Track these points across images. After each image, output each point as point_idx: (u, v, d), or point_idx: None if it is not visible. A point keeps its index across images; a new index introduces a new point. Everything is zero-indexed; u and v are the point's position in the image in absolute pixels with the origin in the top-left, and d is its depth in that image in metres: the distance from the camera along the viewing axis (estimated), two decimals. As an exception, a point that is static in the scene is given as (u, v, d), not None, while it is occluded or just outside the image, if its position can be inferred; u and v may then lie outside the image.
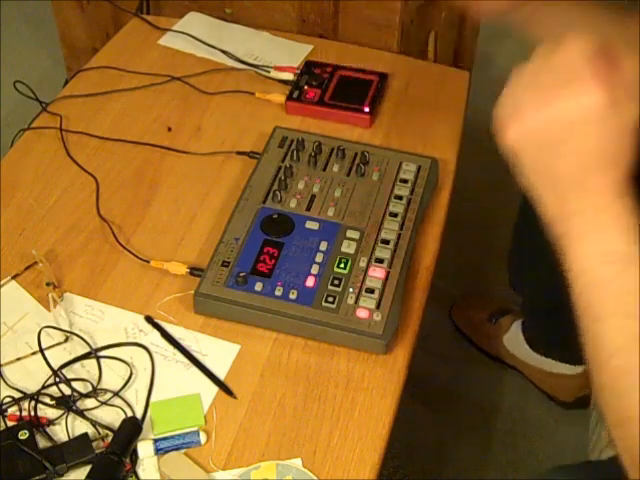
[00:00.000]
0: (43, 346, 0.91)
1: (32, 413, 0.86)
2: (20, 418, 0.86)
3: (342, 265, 0.98)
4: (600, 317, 0.61)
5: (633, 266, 0.61)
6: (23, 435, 0.83)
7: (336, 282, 0.96)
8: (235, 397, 0.89)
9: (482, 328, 1.59)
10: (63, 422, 0.86)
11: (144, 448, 0.83)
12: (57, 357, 0.91)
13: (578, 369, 1.45)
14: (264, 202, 1.06)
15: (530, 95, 0.64)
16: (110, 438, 0.84)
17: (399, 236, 1.02)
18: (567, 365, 1.47)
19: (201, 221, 1.09)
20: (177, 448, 0.84)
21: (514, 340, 1.52)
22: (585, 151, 0.62)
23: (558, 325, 1.35)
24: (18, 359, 0.92)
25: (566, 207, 0.63)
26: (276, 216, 1.04)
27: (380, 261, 0.99)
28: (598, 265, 0.62)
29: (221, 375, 0.91)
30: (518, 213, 1.37)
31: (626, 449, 0.60)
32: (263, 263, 0.98)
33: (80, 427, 0.86)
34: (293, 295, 0.95)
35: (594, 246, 0.62)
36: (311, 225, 1.03)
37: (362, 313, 0.94)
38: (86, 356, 0.92)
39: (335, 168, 1.11)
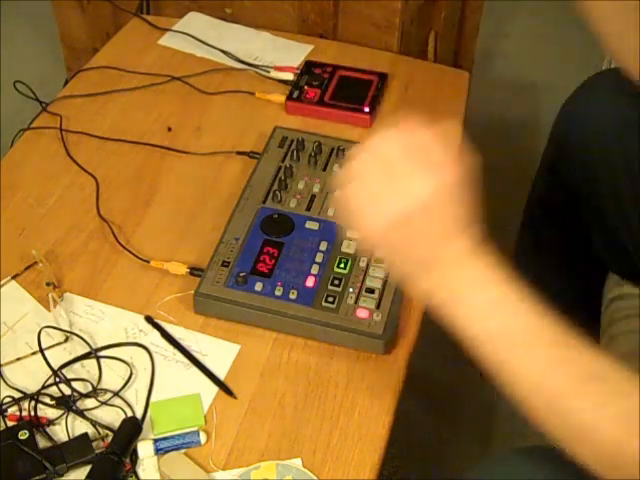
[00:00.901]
0: (43, 346, 0.91)
1: (32, 413, 0.86)
2: (20, 418, 0.86)
3: (342, 265, 0.98)
4: (507, 362, 0.66)
5: (506, 306, 0.66)
6: (23, 435, 0.83)
7: (336, 282, 0.96)
8: (235, 397, 0.89)
9: None
10: (63, 422, 0.86)
11: (144, 448, 0.83)
12: (57, 357, 0.91)
13: None
14: (264, 202, 1.06)
15: (381, 187, 0.69)
16: (110, 438, 0.84)
17: (399, 236, 1.02)
18: None
19: (201, 221, 1.09)
20: (177, 448, 0.84)
21: None
22: (437, 224, 0.68)
23: None
24: (18, 359, 0.92)
25: (435, 278, 0.68)
26: (276, 216, 1.04)
27: (380, 261, 0.99)
28: (480, 321, 0.67)
29: (221, 375, 0.91)
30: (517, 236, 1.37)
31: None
32: (263, 263, 0.98)
33: (80, 427, 0.86)
34: (293, 295, 0.95)
35: (470, 305, 0.67)
36: (311, 225, 1.03)
37: (362, 313, 0.94)
38: (86, 356, 0.92)
39: (335, 168, 1.11)
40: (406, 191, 0.68)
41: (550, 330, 0.66)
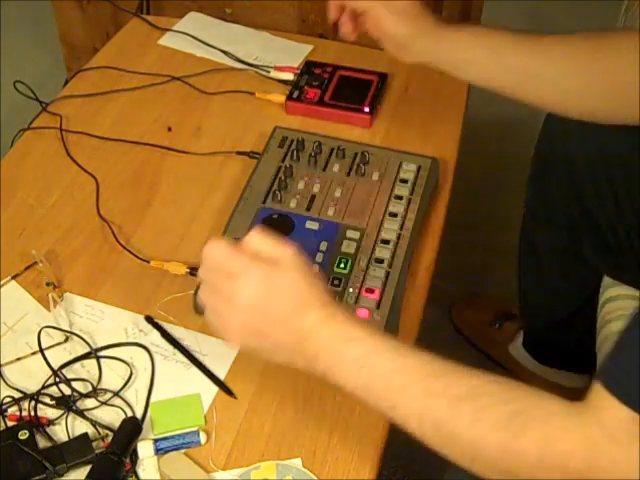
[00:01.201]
0: (43, 346, 0.91)
1: (32, 413, 0.86)
2: (20, 418, 0.86)
3: (342, 265, 0.98)
4: (394, 404, 0.72)
5: (377, 355, 0.72)
6: (23, 435, 0.83)
7: (336, 282, 0.96)
8: (235, 397, 0.89)
9: (484, 331, 1.59)
10: (63, 422, 0.86)
11: (144, 448, 0.83)
12: (57, 357, 0.91)
13: (581, 379, 1.44)
14: (264, 202, 1.06)
15: (216, 301, 0.76)
16: (110, 438, 0.84)
17: (399, 236, 1.02)
18: (571, 374, 1.46)
19: (201, 221, 1.09)
20: (177, 448, 0.84)
21: (520, 349, 1.52)
22: (283, 318, 0.73)
23: (559, 338, 1.36)
24: (18, 359, 0.92)
25: (308, 361, 0.74)
26: (276, 216, 1.04)
27: (380, 261, 0.99)
28: (356, 377, 0.72)
29: (221, 375, 0.91)
30: (519, 239, 1.37)
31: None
32: (263, 263, 0.98)
33: (80, 427, 0.86)
34: (293, 295, 0.95)
35: (342, 366, 0.72)
36: (311, 225, 1.03)
37: (362, 313, 0.94)
38: (86, 356, 0.92)
39: (335, 168, 1.11)
40: (240, 289, 0.74)
41: (419, 366, 0.71)
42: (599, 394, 0.64)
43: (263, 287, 0.74)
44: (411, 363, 0.72)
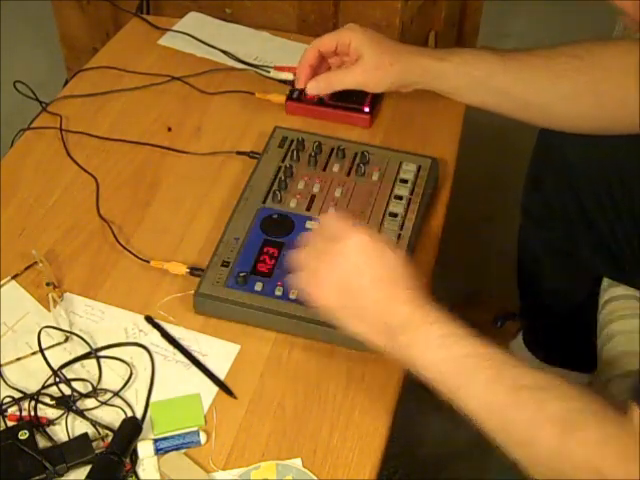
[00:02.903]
0: (43, 346, 0.91)
1: (32, 413, 0.86)
2: (20, 418, 0.86)
3: (342, 265, 0.98)
4: (457, 387, 0.75)
5: (456, 338, 0.77)
6: (23, 435, 0.83)
7: (336, 282, 0.96)
8: (235, 397, 0.89)
9: (485, 330, 1.59)
10: (63, 422, 0.86)
11: (144, 448, 0.83)
12: (57, 357, 0.91)
13: (582, 378, 1.45)
14: (264, 202, 1.06)
15: (316, 261, 0.82)
16: (110, 438, 0.84)
17: (399, 236, 1.02)
18: (573, 373, 1.46)
19: (201, 221, 1.09)
20: (177, 448, 0.84)
21: (521, 348, 1.52)
22: (378, 284, 0.79)
23: (560, 338, 1.36)
24: (18, 359, 0.92)
25: (390, 335, 0.78)
26: (276, 216, 1.04)
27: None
28: (433, 353, 0.77)
29: (221, 375, 0.91)
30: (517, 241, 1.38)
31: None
32: (263, 263, 0.98)
33: (80, 427, 0.86)
34: (293, 295, 0.95)
35: (425, 348, 0.77)
36: (311, 225, 1.03)
37: (362, 313, 0.93)
38: (86, 356, 0.92)
39: (335, 168, 1.11)
40: (345, 249, 0.80)
41: (492, 355, 0.75)
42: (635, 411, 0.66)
43: (367, 251, 0.80)
44: (485, 352, 0.75)
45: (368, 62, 1.08)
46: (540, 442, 0.69)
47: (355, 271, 0.80)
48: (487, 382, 0.73)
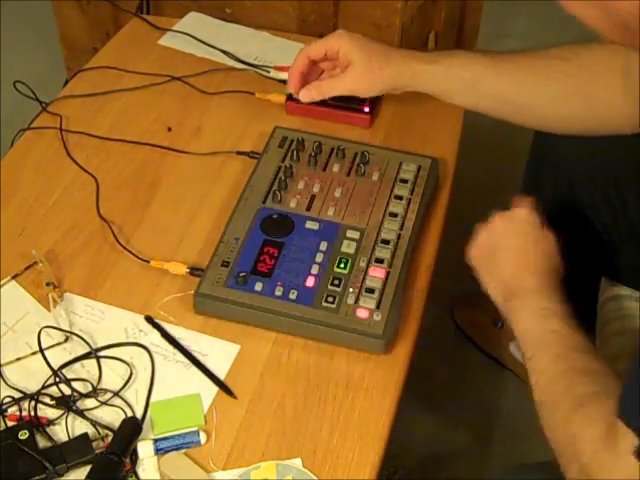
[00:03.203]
0: (43, 346, 0.91)
1: (32, 413, 0.86)
2: (20, 418, 0.86)
3: (342, 265, 0.98)
4: (532, 355, 0.85)
5: (551, 315, 0.86)
6: (23, 435, 0.83)
7: (336, 282, 0.96)
8: (235, 397, 0.89)
9: (486, 331, 1.59)
10: (63, 422, 0.86)
11: (144, 448, 0.83)
12: (57, 357, 0.91)
13: None
14: (264, 202, 1.06)
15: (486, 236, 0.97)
16: (110, 438, 0.84)
17: (399, 236, 1.02)
18: None
19: (201, 221, 1.09)
20: (177, 448, 0.84)
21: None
22: (512, 264, 0.93)
23: None
24: (18, 359, 0.92)
25: (507, 296, 0.91)
26: (276, 216, 1.04)
27: (380, 261, 0.99)
28: (528, 322, 0.87)
29: (221, 375, 0.91)
30: None
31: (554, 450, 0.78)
32: (263, 263, 0.98)
33: (80, 427, 0.86)
34: (293, 295, 0.95)
35: (527, 314, 0.88)
36: (311, 225, 1.03)
37: (362, 313, 0.94)
38: (86, 356, 0.92)
39: (335, 168, 1.11)
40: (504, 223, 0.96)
41: (570, 337, 0.84)
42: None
43: (524, 224, 0.94)
44: (567, 333, 0.84)
45: (357, 68, 1.09)
46: (558, 411, 0.78)
47: (506, 236, 0.94)
48: (555, 356, 0.82)
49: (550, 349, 0.83)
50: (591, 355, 0.82)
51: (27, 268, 1.01)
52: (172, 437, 0.85)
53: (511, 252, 0.93)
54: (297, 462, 0.84)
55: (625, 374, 0.74)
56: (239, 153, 1.17)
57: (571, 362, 0.81)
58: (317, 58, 1.13)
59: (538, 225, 0.94)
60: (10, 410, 0.87)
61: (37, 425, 0.85)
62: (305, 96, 1.13)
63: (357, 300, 0.95)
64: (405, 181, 1.09)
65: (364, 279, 0.97)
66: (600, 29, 0.71)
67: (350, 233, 1.02)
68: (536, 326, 0.86)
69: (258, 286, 0.95)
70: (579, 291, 1.28)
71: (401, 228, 1.03)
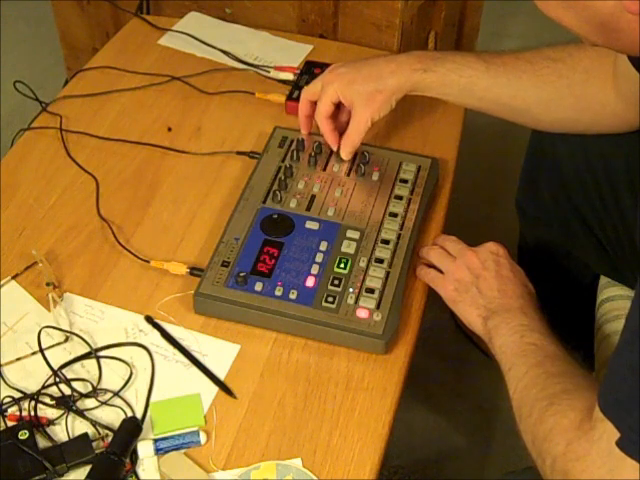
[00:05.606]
0: (43, 346, 0.91)
1: (32, 413, 0.86)
2: (20, 418, 0.86)
3: (342, 265, 0.98)
4: (511, 366, 0.87)
5: (529, 331, 0.90)
6: (23, 435, 0.83)
7: (336, 282, 0.96)
8: (235, 397, 0.89)
9: None
10: (63, 422, 0.86)
11: (144, 448, 0.83)
12: (57, 357, 0.92)
13: None
14: (264, 202, 1.06)
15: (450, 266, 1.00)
16: (110, 438, 0.84)
17: (399, 236, 1.02)
18: None
19: (201, 221, 1.09)
20: (177, 448, 0.84)
21: None
22: (495, 287, 0.96)
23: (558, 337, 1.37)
24: (18, 359, 0.92)
25: (488, 315, 0.94)
26: (276, 216, 1.04)
27: (380, 261, 0.99)
28: (507, 337, 0.90)
29: (221, 375, 0.91)
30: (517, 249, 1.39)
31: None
32: (263, 263, 0.98)
33: (80, 427, 0.86)
34: (293, 295, 0.95)
35: (507, 328, 0.91)
36: (311, 225, 1.03)
37: (362, 313, 0.94)
38: (86, 356, 0.92)
39: (335, 168, 1.11)
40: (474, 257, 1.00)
41: (544, 348, 0.87)
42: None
43: (492, 260, 0.99)
44: (545, 344, 0.87)
45: (360, 103, 1.08)
46: (534, 412, 0.80)
47: (479, 271, 0.97)
48: (532, 365, 0.85)
49: (528, 359, 0.86)
50: (566, 360, 0.85)
51: (27, 268, 1.01)
52: (172, 437, 0.85)
53: (492, 278, 0.96)
54: (297, 462, 0.84)
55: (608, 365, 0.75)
56: (239, 153, 1.17)
57: (546, 367, 0.84)
58: (331, 111, 1.11)
59: (509, 256, 1.00)
60: (10, 410, 0.87)
61: (37, 425, 0.85)
62: (348, 155, 1.11)
63: (357, 300, 0.95)
64: (405, 181, 1.09)
65: (364, 279, 0.97)
66: (577, 31, 0.71)
67: (350, 233, 1.02)
68: (516, 339, 0.89)
69: (258, 286, 0.95)
70: (576, 291, 1.29)
71: (401, 228, 1.03)
